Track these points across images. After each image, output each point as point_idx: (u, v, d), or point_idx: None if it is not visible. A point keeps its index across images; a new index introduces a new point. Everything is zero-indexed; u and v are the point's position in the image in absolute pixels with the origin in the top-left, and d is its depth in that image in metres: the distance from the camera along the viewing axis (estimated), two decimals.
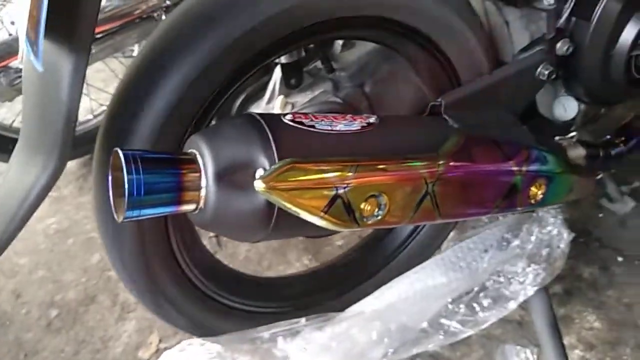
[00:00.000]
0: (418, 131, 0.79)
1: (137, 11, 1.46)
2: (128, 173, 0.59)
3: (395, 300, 1.02)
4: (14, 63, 1.25)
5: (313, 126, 0.70)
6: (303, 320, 0.99)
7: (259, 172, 0.64)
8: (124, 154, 0.60)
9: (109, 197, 0.80)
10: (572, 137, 0.98)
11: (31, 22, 0.53)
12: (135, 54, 1.83)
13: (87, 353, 1.26)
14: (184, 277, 0.93)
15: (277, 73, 1.04)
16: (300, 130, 0.68)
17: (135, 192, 0.59)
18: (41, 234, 1.58)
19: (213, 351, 0.91)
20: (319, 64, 1.09)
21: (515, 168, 0.79)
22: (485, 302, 1.04)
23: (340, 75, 1.07)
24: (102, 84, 1.95)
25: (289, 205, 0.62)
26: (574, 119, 1.03)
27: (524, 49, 0.94)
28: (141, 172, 0.60)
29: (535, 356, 1.10)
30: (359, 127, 0.73)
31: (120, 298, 1.37)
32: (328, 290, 1.16)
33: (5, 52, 1.26)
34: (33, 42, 0.54)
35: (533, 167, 0.82)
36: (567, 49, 0.92)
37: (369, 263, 1.20)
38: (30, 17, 0.53)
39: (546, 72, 0.91)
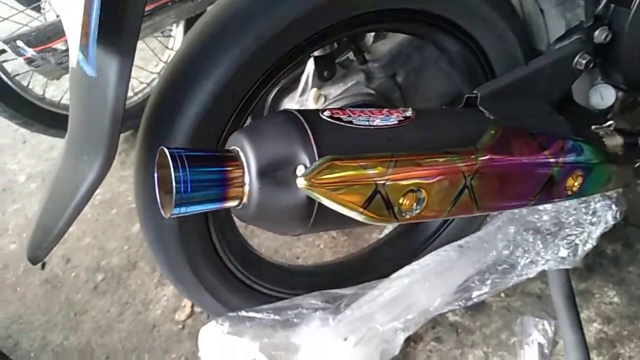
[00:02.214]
0: (455, 124, 0.79)
1: None
2: (175, 171, 0.61)
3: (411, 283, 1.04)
4: (61, 44, 1.29)
5: (351, 122, 0.71)
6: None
7: (300, 169, 0.65)
8: (170, 153, 0.62)
9: (150, 194, 0.83)
10: (609, 125, 0.97)
11: (83, 29, 0.55)
12: (173, 32, 1.88)
13: (130, 314, 1.36)
14: (223, 267, 0.96)
15: (310, 66, 1.05)
16: (338, 126, 0.69)
17: (182, 190, 0.61)
18: (88, 204, 1.66)
19: (250, 323, 0.94)
20: (350, 55, 1.09)
21: (552, 160, 0.79)
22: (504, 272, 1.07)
23: (372, 66, 1.07)
24: (142, 62, 2.05)
25: (329, 202, 0.63)
26: (611, 107, 1.02)
27: (561, 38, 0.93)
28: (187, 169, 0.62)
29: (552, 328, 1.12)
30: (396, 122, 0.73)
31: None
32: (357, 279, 1.18)
33: (53, 33, 1.30)
34: (84, 48, 0.56)
35: (570, 158, 0.81)
36: (606, 37, 0.91)
37: (398, 255, 1.22)
38: (82, 23, 0.55)
39: (584, 62, 0.90)
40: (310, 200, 0.66)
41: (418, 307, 0.99)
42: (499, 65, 0.99)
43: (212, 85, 0.78)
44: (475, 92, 0.84)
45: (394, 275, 1.07)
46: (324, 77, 1.05)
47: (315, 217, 0.68)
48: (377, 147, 0.70)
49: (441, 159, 0.70)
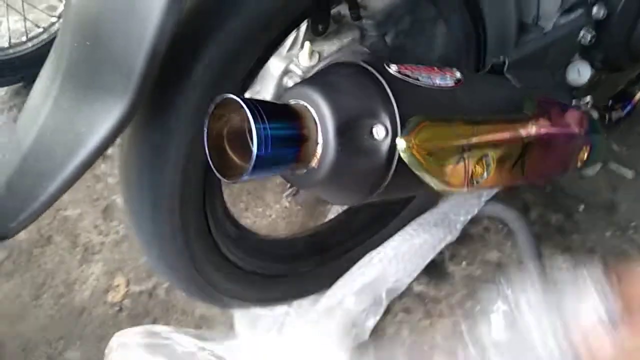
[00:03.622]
0: (500, 89, 0.76)
1: None
2: (256, 125, 0.50)
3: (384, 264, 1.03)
4: None
5: (417, 79, 0.64)
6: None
7: (379, 130, 0.58)
8: (246, 103, 0.50)
9: (142, 167, 0.69)
10: (587, 102, 1.01)
11: None
12: None
13: (49, 298, 1.15)
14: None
15: None
16: (409, 83, 0.62)
17: (264, 148, 0.50)
18: None
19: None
20: (341, 9, 1.01)
21: (577, 130, 0.80)
22: None
23: (366, 22, 1.00)
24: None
25: (423, 169, 0.57)
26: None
27: (567, 11, 0.94)
28: (267, 125, 0.51)
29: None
30: (453, 83, 0.68)
31: (82, 239, 1.26)
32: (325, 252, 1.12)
33: None
34: None
35: (587, 130, 0.83)
36: (603, 14, 0.94)
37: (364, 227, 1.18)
38: None
39: (589, 36, 0.92)
40: (387, 165, 0.59)
41: (400, 288, 0.97)
42: (492, 38, 0.98)
43: (232, 40, 0.66)
44: (502, 57, 0.81)
45: (366, 258, 1.04)
46: (318, 31, 0.95)
47: (388, 183, 0.60)
48: (442, 108, 0.64)
49: (509, 125, 0.67)
